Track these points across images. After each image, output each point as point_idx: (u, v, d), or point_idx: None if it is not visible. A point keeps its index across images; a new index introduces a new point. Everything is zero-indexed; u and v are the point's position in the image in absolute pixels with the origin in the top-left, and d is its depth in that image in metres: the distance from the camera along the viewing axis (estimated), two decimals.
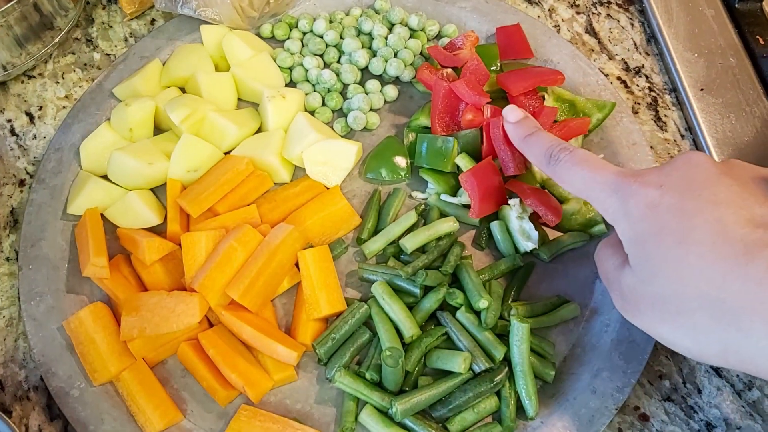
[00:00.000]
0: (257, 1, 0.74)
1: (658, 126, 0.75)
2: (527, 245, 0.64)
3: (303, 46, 0.78)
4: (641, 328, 0.48)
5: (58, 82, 0.77)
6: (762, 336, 0.39)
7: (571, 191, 0.51)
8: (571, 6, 0.83)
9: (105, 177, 0.69)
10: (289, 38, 0.78)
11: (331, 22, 0.78)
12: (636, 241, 0.45)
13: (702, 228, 0.41)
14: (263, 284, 0.60)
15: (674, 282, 0.42)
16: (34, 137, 0.74)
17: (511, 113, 0.57)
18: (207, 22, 0.75)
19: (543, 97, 0.71)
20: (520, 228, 0.65)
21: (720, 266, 0.40)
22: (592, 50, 0.80)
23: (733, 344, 0.41)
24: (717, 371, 0.62)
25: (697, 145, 0.73)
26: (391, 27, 0.78)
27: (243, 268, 0.60)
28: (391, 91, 0.75)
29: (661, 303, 0.44)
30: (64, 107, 0.76)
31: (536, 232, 0.64)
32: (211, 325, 0.62)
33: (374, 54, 0.76)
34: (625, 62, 0.79)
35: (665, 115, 0.76)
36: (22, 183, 0.71)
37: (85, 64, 0.79)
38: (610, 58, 0.79)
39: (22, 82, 0.77)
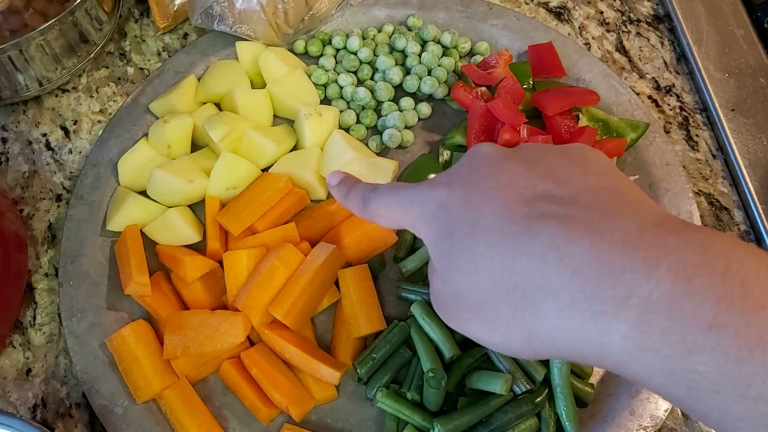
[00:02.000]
0: (293, 17, 0.75)
1: (689, 146, 0.76)
2: None
3: (337, 62, 0.78)
4: (460, 332, 0.44)
5: (92, 96, 0.78)
6: (554, 315, 0.35)
7: (386, 225, 0.48)
8: (601, 24, 0.84)
9: (143, 193, 0.69)
10: (322, 55, 0.78)
11: (364, 38, 0.79)
12: (433, 243, 0.43)
13: (487, 215, 0.39)
14: (306, 303, 0.61)
15: (470, 275, 0.39)
16: (70, 152, 0.74)
17: (333, 178, 0.53)
18: (241, 38, 0.76)
19: (577, 116, 0.71)
20: None
21: (507, 249, 0.37)
22: (623, 68, 0.81)
23: (533, 330, 0.37)
24: None
25: (728, 165, 0.74)
26: (423, 44, 0.79)
27: (285, 287, 0.61)
28: (425, 109, 0.75)
29: (464, 299, 0.41)
30: (99, 121, 0.76)
31: None
32: (252, 343, 0.63)
33: (408, 71, 0.77)
34: (656, 81, 0.80)
35: (696, 135, 0.76)
36: (59, 198, 0.72)
37: (119, 78, 0.79)
38: (640, 77, 0.80)
39: (56, 96, 0.77)
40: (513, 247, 0.37)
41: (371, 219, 0.49)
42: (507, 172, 0.41)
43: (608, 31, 0.83)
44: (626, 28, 0.84)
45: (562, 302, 0.35)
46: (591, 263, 0.34)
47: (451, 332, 0.61)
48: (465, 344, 0.63)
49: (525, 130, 0.68)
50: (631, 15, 0.85)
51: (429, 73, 0.76)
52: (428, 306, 0.63)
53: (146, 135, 0.72)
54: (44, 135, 0.75)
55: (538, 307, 0.36)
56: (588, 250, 0.34)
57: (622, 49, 0.82)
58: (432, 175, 0.47)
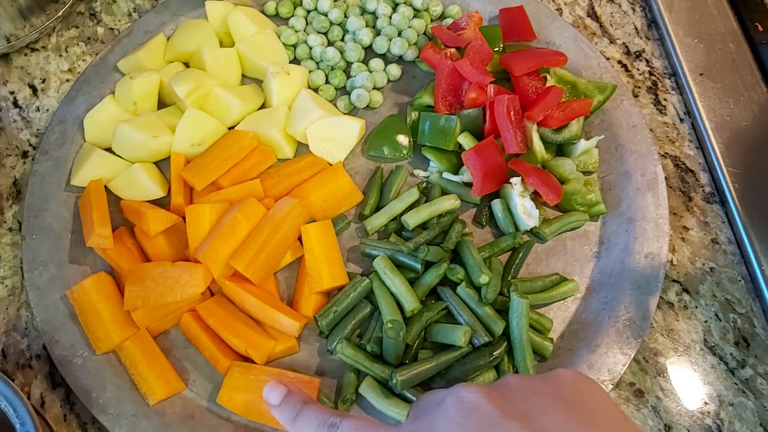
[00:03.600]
0: None
1: (657, 110, 0.76)
2: (528, 223, 0.65)
3: (307, 23, 0.78)
4: None
5: (61, 56, 0.77)
6: None
7: None
8: None
9: (109, 149, 0.69)
10: (293, 16, 0.78)
11: (335, 0, 0.78)
12: None
13: None
14: (267, 256, 0.61)
15: None
16: (37, 110, 0.74)
17: (272, 393, 0.49)
18: None
19: (545, 78, 0.71)
20: (521, 206, 0.65)
21: None
22: (594, 34, 0.81)
23: None
24: (711, 349, 0.63)
25: (695, 129, 0.74)
26: (395, 6, 0.79)
27: (247, 240, 0.61)
28: (395, 70, 0.75)
29: None
30: (67, 80, 0.76)
31: (537, 211, 0.65)
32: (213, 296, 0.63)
33: (378, 33, 0.77)
34: (626, 46, 0.80)
35: (665, 99, 0.76)
36: (25, 155, 0.72)
37: (89, 38, 0.79)
38: (611, 42, 0.80)
39: (26, 54, 0.77)
40: None
41: None
42: None
43: None
44: None
45: None
46: None
47: (412, 286, 0.62)
48: (426, 299, 0.63)
49: (492, 89, 0.68)
50: None
51: (399, 34, 0.76)
52: (390, 261, 0.63)
53: (113, 92, 0.72)
54: (12, 93, 0.75)
55: None
56: None
57: (593, 14, 0.82)
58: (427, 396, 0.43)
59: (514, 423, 0.35)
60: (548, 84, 0.71)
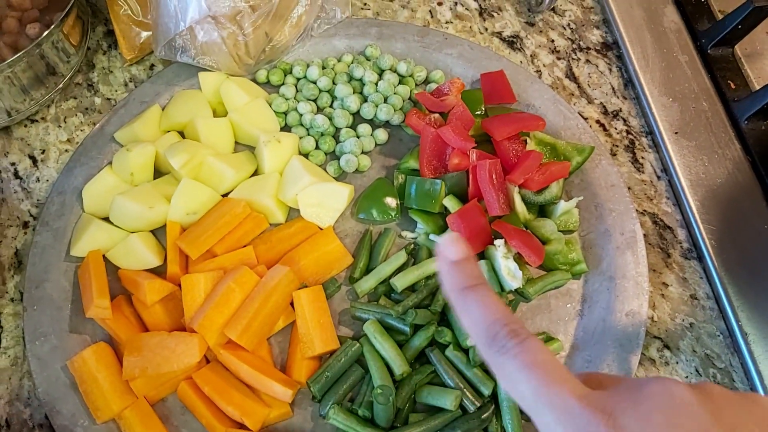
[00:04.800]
0: (253, 48, 0.78)
1: (635, 168, 0.79)
2: (512, 284, 0.67)
3: (297, 91, 0.81)
4: None
5: (60, 126, 0.80)
6: None
7: (512, 394, 0.37)
8: (552, 52, 0.87)
9: (107, 219, 0.71)
10: (283, 84, 0.81)
11: (324, 68, 0.82)
12: None
13: None
14: (260, 324, 0.63)
15: None
16: (38, 180, 0.77)
17: (451, 248, 0.40)
18: (205, 69, 0.78)
19: (525, 141, 0.74)
20: (505, 267, 0.68)
21: None
22: (572, 94, 0.84)
23: None
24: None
25: (672, 186, 0.77)
26: (381, 73, 0.82)
27: (240, 308, 0.63)
28: (382, 135, 0.78)
29: None
30: (66, 151, 0.79)
31: (521, 272, 0.68)
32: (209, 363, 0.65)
33: (365, 99, 0.80)
34: (604, 106, 0.83)
35: (642, 157, 0.80)
36: (26, 225, 0.74)
37: (87, 109, 0.82)
38: (589, 102, 0.83)
39: (25, 126, 0.80)
40: None
41: (490, 364, 0.37)
42: None
43: (559, 58, 0.87)
44: (576, 55, 0.87)
45: None
46: None
47: (402, 349, 0.64)
48: (415, 362, 0.65)
49: (474, 155, 0.71)
50: (581, 43, 0.88)
51: (385, 100, 0.79)
52: (380, 325, 0.65)
53: (111, 163, 0.75)
54: (13, 164, 0.78)
55: None
56: None
57: (572, 75, 0.86)
58: (599, 393, 0.36)
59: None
60: (528, 147, 0.74)
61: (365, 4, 0.91)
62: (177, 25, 0.73)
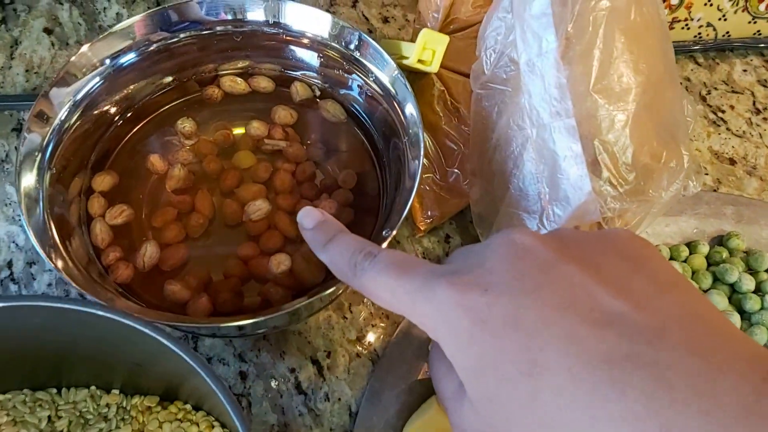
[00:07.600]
0: None
1: None
2: None
3: None
4: None
5: (345, 317, 0.63)
6: None
7: (385, 307, 0.38)
8: None
9: None
10: None
11: (671, 258, 0.64)
12: (471, 371, 0.33)
13: (551, 349, 0.30)
14: None
15: (530, 429, 0.30)
16: (326, 398, 0.59)
17: (307, 217, 0.44)
18: None
19: None
20: None
21: (585, 405, 0.28)
22: None
23: None
24: None
25: None
26: (754, 274, 0.64)
27: None
28: None
29: None
30: (357, 356, 0.61)
31: None
32: None
33: (745, 316, 0.62)
34: None
35: None
36: None
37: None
38: None
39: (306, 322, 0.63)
40: (592, 404, 0.28)
41: (361, 291, 0.39)
42: (563, 281, 0.31)
43: None
44: None
45: None
46: None
47: None
48: None
49: None
50: None
51: None
52: None
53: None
54: (292, 370, 0.60)
55: None
56: (697, 421, 0.26)
57: None
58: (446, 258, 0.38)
59: (572, 266, 0.32)
60: None
61: (701, 167, 0.73)
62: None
